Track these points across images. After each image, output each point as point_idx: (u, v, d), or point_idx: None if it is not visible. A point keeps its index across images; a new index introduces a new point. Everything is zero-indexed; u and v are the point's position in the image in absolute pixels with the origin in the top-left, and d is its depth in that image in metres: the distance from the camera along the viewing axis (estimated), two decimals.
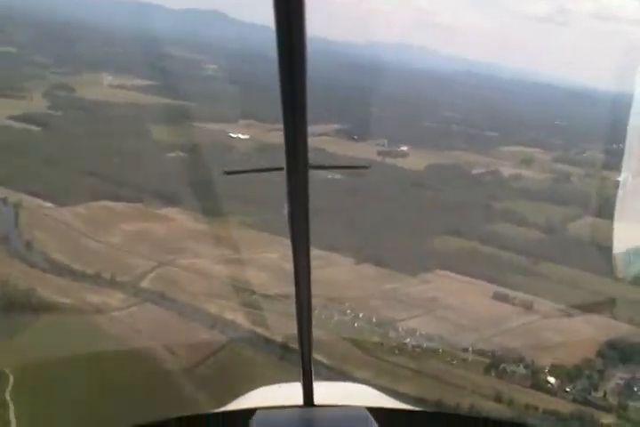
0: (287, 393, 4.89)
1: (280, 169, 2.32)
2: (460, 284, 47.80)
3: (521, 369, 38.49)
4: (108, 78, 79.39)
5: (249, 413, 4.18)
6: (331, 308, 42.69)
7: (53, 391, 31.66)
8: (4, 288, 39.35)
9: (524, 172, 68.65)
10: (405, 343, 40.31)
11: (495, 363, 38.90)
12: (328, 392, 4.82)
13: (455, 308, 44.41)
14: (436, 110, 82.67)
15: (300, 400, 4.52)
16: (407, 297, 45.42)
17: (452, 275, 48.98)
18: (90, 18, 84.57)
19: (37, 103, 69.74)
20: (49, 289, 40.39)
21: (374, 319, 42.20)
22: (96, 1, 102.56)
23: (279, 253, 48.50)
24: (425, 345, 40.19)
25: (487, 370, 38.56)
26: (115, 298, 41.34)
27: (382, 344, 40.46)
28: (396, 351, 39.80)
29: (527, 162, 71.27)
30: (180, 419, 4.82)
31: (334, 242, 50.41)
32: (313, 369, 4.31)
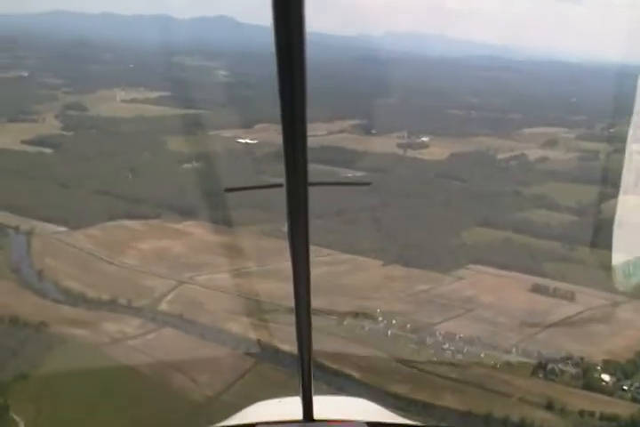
0: (286, 408, 4.65)
1: (280, 186, 2.22)
2: (495, 278, 43.74)
3: (570, 368, 34.37)
4: (120, 94, 76.89)
5: None
6: (361, 317, 38.91)
7: None
8: (13, 325, 36.07)
9: (550, 153, 64.37)
10: (444, 349, 36.29)
11: (542, 364, 34.79)
12: (327, 407, 4.57)
13: (493, 305, 40.33)
14: (454, 97, 78.77)
15: (299, 415, 4.31)
16: (441, 298, 41.46)
17: (487, 269, 44.93)
18: (98, 35, 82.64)
19: (50, 125, 67.11)
20: (61, 321, 37.07)
21: (408, 326, 38.21)
22: (104, 19, 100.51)
23: None
24: (465, 350, 36.11)
25: (534, 373, 34.48)
26: (132, 325, 37.90)
27: (419, 352, 36.46)
28: (435, 359, 35.78)
29: (552, 143, 67.03)
30: None
31: (359, 244, 46.78)
32: (313, 384, 4.01)
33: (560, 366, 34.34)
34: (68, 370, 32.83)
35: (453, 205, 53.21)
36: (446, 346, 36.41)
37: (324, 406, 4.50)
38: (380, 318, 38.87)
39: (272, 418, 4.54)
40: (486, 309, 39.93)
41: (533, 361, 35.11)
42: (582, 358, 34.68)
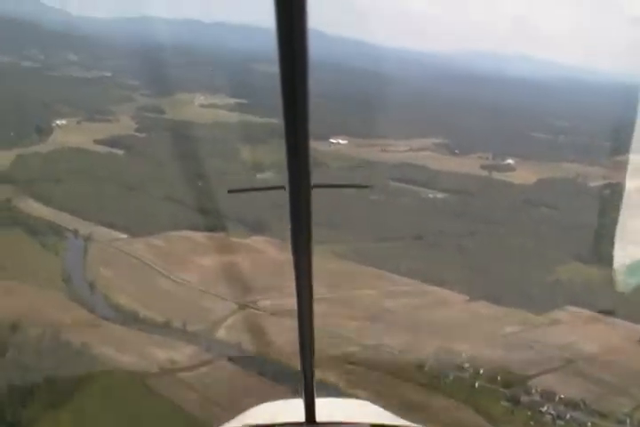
0: (289, 410, 4.34)
1: (282, 188, 2.03)
2: (597, 324, 36.28)
3: None
4: (199, 98, 72.35)
5: None
6: (445, 361, 31.94)
7: None
8: (55, 342, 30.24)
9: None
10: (542, 412, 28.97)
11: None
12: (330, 409, 4.32)
13: (598, 358, 32.85)
14: (539, 119, 71.60)
15: (301, 417, 4.02)
16: (536, 343, 34.16)
17: (586, 312, 37.44)
18: (181, 41, 78.82)
19: (125, 126, 62.41)
20: (107, 343, 31.09)
21: (499, 377, 31.00)
22: (187, 25, 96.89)
23: (377, 289, 38.41)
24: (568, 416, 28.67)
25: None
26: (184, 353, 31.70)
27: (513, 412, 29.25)
28: (532, 424, 28.50)
29: None
30: None
31: (443, 274, 39.92)
32: (315, 386, 3.65)
33: None
34: (104, 406, 26.86)
35: (545, 236, 45.93)
36: (545, 408, 29.08)
37: (326, 408, 4.19)
38: (467, 365, 31.81)
39: (274, 420, 4.27)
40: (590, 362, 32.54)
41: None
42: None
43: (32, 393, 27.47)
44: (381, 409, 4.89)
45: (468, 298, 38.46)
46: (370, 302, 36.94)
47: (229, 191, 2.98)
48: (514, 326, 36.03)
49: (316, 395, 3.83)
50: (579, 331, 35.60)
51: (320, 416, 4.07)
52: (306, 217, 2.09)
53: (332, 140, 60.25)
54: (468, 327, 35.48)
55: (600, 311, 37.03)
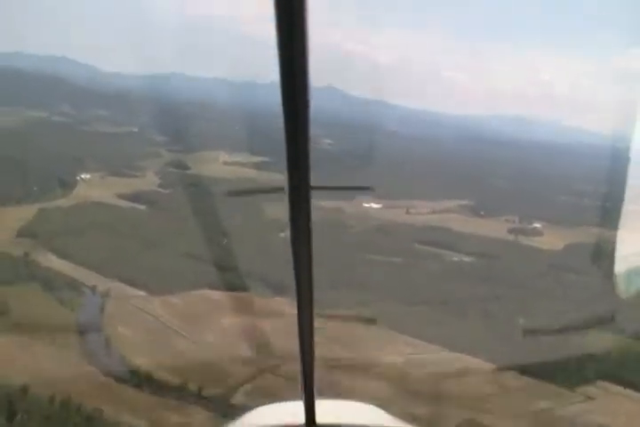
0: (289, 412, 4.33)
1: (281, 190, 2.09)
2: (631, 403, 34.17)
3: None
4: (224, 156, 72.30)
5: None
6: None
7: None
8: (64, 408, 28.91)
9: None
10: None
11: None
12: (330, 411, 4.32)
13: None
14: (565, 184, 70.56)
15: (301, 419, 4.04)
16: (568, 423, 32.25)
17: (621, 389, 35.36)
18: (208, 98, 79.47)
19: (149, 181, 62.19)
20: (120, 407, 29.74)
21: None
22: (215, 83, 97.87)
23: (403, 355, 36.92)
24: None
25: None
26: (198, 418, 30.27)
27: None
28: None
29: None
30: None
31: (468, 341, 38.39)
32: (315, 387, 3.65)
33: None
34: None
35: (573, 303, 44.38)
36: None
37: (327, 409, 4.19)
38: None
39: (274, 422, 4.31)
40: None
41: None
42: None
43: None
44: (383, 412, 4.83)
45: (494, 367, 36.79)
46: (394, 370, 35.47)
47: (229, 194, 2.72)
48: (544, 400, 34.19)
49: (316, 397, 3.76)
50: (613, 410, 33.33)
51: (320, 418, 4.03)
52: (305, 218, 2.14)
53: (365, 205, 59.59)
54: (495, 400, 33.76)
55: (636, 389, 35.05)
